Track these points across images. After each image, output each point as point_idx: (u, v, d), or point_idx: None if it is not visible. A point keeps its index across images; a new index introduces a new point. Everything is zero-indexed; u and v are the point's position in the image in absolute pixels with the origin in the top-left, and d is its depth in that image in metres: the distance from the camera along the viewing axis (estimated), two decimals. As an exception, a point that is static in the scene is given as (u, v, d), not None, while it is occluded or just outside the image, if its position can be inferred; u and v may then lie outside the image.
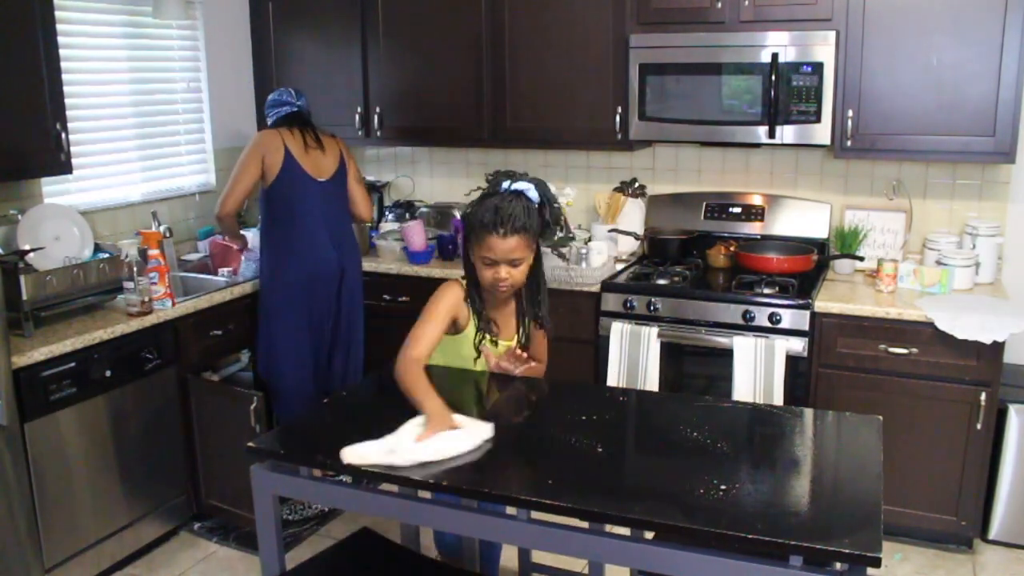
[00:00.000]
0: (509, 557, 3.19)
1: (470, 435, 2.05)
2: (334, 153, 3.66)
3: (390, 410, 2.45)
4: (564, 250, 2.47)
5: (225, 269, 3.72)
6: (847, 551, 1.60)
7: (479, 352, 2.49)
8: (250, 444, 2.09)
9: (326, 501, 3.09)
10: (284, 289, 3.53)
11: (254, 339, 3.69)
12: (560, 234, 2.42)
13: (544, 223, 2.38)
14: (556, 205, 2.42)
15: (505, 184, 2.37)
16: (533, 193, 2.36)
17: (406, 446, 1.98)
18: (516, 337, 2.55)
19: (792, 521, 1.76)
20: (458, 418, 2.10)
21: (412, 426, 2.09)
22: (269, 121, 3.63)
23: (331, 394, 3.17)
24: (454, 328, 2.47)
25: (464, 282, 2.47)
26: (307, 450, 2.12)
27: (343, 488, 2.09)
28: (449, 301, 2.44)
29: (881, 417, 2.23)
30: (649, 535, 1.94)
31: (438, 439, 2.02)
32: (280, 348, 3.57)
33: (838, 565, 1.67)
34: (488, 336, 2.49)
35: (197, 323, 3.41)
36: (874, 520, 1.71)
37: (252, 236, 3.86)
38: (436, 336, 2.41)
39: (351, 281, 3.67)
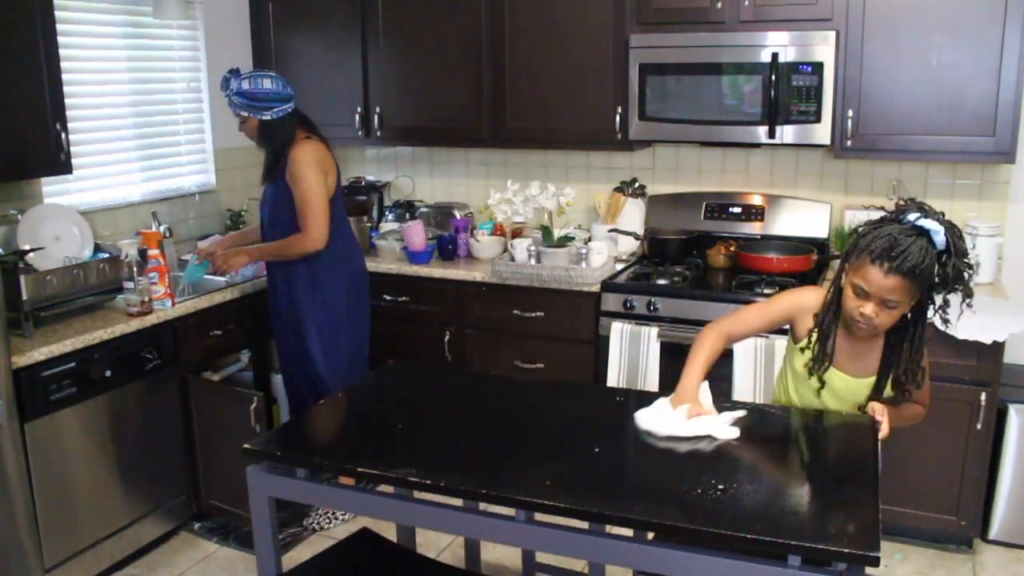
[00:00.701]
0: (511, 556, 3.20)
1: (712, 426, 2.10)
2: None
3: (389, 410, 2.46)
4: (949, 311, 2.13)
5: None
6: (846, 550, 1.60)
7: (822, 381, 2.24)
8: (247, 446, 2.09)
9: (324, 503, 3.09)
10: (351, 288, 3.46)
11: (255, 342, 3.68)
12: (959, 290, 2.07)
13: (944, 275, 2.06)
14: (966, 259, 2.08)
15: (913, 216, 2.07)
16: (940, 238, 2.05)
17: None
18: (874, 382, 2.24)
19: (791, 521, 1.76)
20: (706, 406, 2.15)
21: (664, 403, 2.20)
22: (268, 116, 3.24)
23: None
24: (793, 335, 2.32)
25: (827, 295, 2.22)
26: (304, 452, 2.12)
27: (341, 490, 2.10)
28: (793, 301, 2.29)
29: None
30: (649, 535, 1.94)
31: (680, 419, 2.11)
32: (348, 349, 3.49)
33: (837, 565, 1.66)
34: (824, 346, 2.22)
35: (197, 323, 3.41)
36: (872, 519, 1.71)
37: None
38: (755, 324, 2.31)
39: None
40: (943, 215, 2.10)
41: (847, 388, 2.25)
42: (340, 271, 3.42)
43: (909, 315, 2.15)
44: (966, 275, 2.07)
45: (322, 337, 3.42)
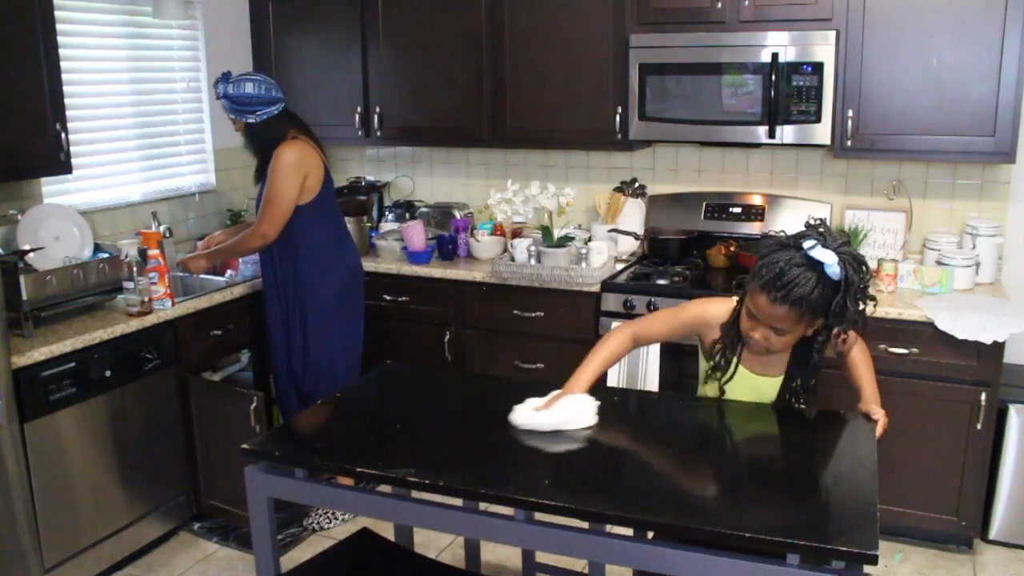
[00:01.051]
0: (511, 556, 3.20)
1: (572, 412, 2.13)
2: None
3: (387, 410, 2.46)
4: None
5: (231, 271, 3.72)
6: (844, 549, 1.61)
7: (722, 389, 2.29)
8: (245, 446, 2.09)
9: (323, 503, 3.09)
10: (344, 285, 3.47)
11: (255, 342, 3.67)
12: (856, 321, 2.03)
13: (839, 305, 2.02)
14: (864, 286, 2.05)
15: (808, 244, 2.02)
16: (833, 270, 1.99)
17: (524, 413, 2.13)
18: (783, 383, 2.28)
19: (789, 520, 1.76)
20: (576, 397, 2.16)
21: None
22: (252, 119, 3.29)
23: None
24: (701, 347, 2.37)
25: (735, 309, 2.24)
26: (302, 452, 2.12)
27: (340, 490, 2.09)
28: (697, 313, 2.32)
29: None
30: (648, 535, 1.94)
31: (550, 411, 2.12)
32: (341, 344, 3.49)
33: (835, 563, 1.66)
34: (726, 355, 2.26)
35: (197, 323, 3.41)
36: (870, 518, 1.71)
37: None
38: (659, 330, 2.36)
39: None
40: (845, 241, 2.05)
41: (754, 387, 2.27)
42: (331, 267, 3.43)
43: (813, 333, 2.14)
44: (861, 307, 2.05)
45: (306, 331, 3.44)
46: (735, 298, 2.25)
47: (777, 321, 2.07)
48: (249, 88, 3.27)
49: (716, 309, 2.28)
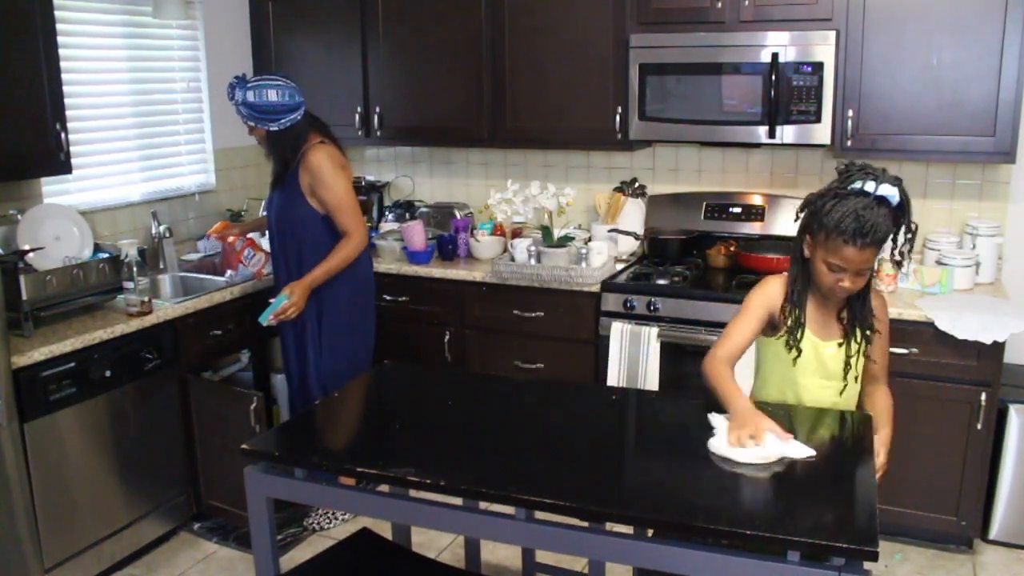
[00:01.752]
0: (511, 556, 3.20)
1: (783, 447, 1.99)
2: None
3: (387, 410, 2.46)
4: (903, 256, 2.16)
5: (230, 271, 3.71)
6: (844, 546, 1.61)
7: (799, 350, 2.25)
8: (244, 446, 2.09)
9: (323, 503, 3.09)
10: (354, 295, 3.42)
11: (255, 342, 3.67)
12: (911, 236, 2.14)
13: (907, 227, 2.12)
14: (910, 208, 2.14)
15: (870, 186, 2.07)
16: (897, 199, 2.08)
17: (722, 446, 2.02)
18: (844, 343, 2.28)
19: (790, 517, 1.76)
20: (769, 425, 2.02)
21: (721, 421, 2.11)
22: (274, 127, 3.21)
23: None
24: (772, 329, 2.30)
25: (786, 278, 2.26)
26: (302, 452, 2.11)
27: (340, 490, 2.09)
28: (766, 296, 2.27)
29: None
30: (648, 533, 1.94)
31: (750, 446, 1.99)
32: (347, 356, 3.43)
33: (835, 560, 1.67)
34: (799, 331, 2.25)
35: (197, 323, 3.41)
36: (870, 515, 1.71)
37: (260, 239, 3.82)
38: (747, 335, 2.26)
39: None
40: (886, 171, 2.12)
41: (819, 355, 2.28)
42: (344, 277, 3.36)
43: None
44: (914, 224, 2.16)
45: (320, 342, 3.40)
46: (782, 274, 2.28)
47: (865, 264, 2.11)
48: (273, 96, 3.19)
49: (775, 286, 2.27)
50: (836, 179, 2.14)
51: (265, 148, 3.35)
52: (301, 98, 3.26)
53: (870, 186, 2.07)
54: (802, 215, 2.21)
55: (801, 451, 1.98)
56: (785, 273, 2.28)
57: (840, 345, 2.27)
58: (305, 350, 3.42)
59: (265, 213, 3.67)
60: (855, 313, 2.26)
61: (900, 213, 2.10)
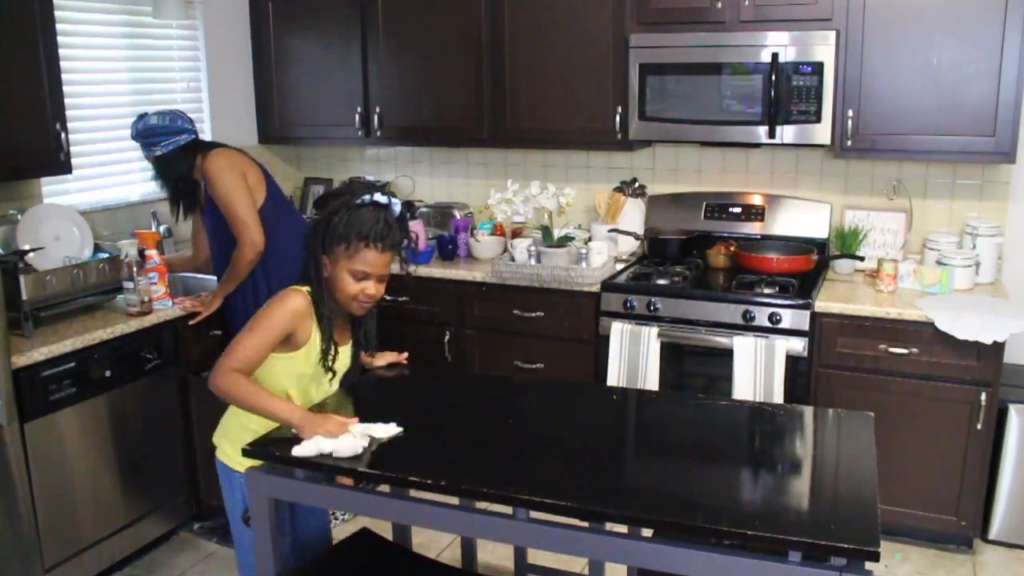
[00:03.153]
0: (510, 556, 3.19)
1: (370, 429, 2.08)
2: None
3: (387, 410, 2.46)
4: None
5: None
6: (845, 546, 1.61)
7: (333, 371, 2.30)
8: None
9: (323, 503, 3.08)
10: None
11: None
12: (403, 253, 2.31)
13: (407, 231, 2.29)
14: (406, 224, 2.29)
15: (380, 198, 2.20)
16: (398, 208, 2.24)
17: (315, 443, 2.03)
18: (351, 343, 2.38)
19: (790, 517, 1.76)
20: (339, 417, 2.09)
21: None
22: (158, 151, 3.17)
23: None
24: (287, 345, 2.22)
25: (308, 296, 2.22)
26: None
27: (340, 490, 2.09)
28: (291, 314, 2.19)
29: (872, 413, 2.23)
30: (647, 533, 1.94)
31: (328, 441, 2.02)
32: None
33: (836, 560, 1.67)
34: (334, 352, 2.29)
35: (197, 323, 3.40)
36: (871, 515, 1.71)
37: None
38: (263, 348, 2.17)
39: None
40: (379, 182, 2.32)
41: (342, 358, 2.34)
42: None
43: None
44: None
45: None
46: (301, 287, 2.24)
47: (385, 268, 2.23)
48: (153, 120, 3.17)
49: (300, 303, 2.21)
50: (342, 196, 2.21)
51: (153, 177, 3.28)
52: (187, 125, 3.19)
53: (380, 198, 2.20)
54: (312, 237, 2.23)
55: (388, 430, 2.08)
56: (303, 288, 2.23)
57: (349, 343, 2.38)
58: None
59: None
60: (361, 329, 2.39)
61: (403, 222, 2.25)
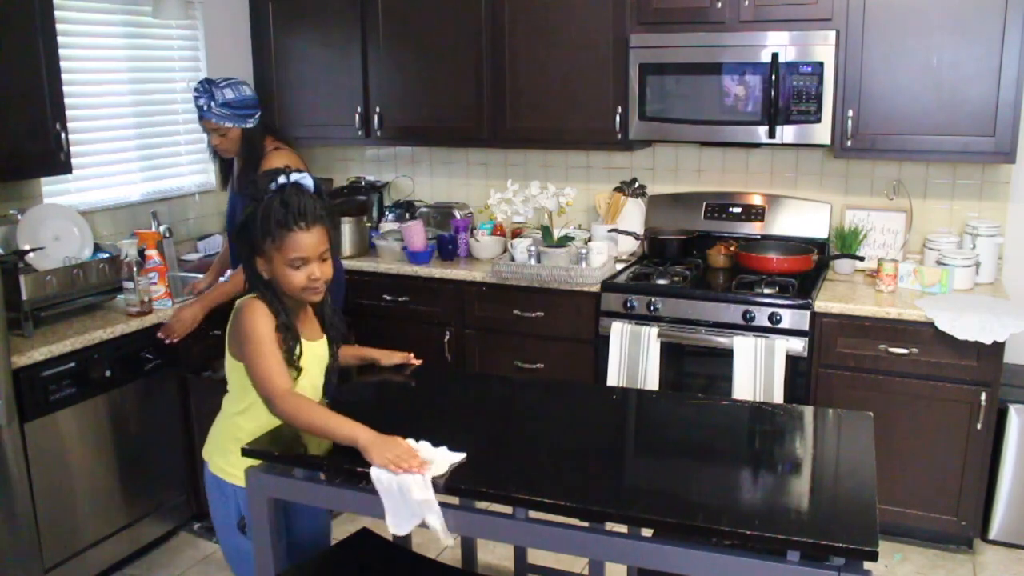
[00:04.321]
0: (505, 556, 3.19)
1: (441, 456, 1.95)
2: None
3: (387, 409, 2.46)
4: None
5: (229, 271, 3.71)
6: (844, 545, 1.61)
7: (299, 368, 2.19)
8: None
9: (323, 503, 3.08)
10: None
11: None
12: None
13: (329, 206, 2.20)
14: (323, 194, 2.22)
15: (280, 180, 2.12)
16: (308, 181, 2.15)
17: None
18: (326, 336, 2.33)
19: (789, 517, 1.76)
20: (407, 442, 1.97)
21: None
22: (250, 124, 3.16)
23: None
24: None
25: (262, 298, 2.16)
26: (302, 452, 2.11)
27: (340, 490, 2.09)
28: (267, 321, 2.12)
29: (871, 413, 2.23)
30: (647, 532, 1.94)
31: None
32: None
33: (835, 560, 1.67)
34: (297, 351, 2.18)
35: (172, 343, 3.39)
36: (870, 515, 1.71)
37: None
38: (281, 360, 2.12)
39: None
40: (288, 168, 2.16)
41: (315, 355, 2.28)
42: None
43: None
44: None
45: None
46: (250, 296, 2.17)
47: (320, 246, 2.13)
48: (247, 91, 3.17)
49: (263, 310, 2.14)
50: (254, 199, 2.14)
51: (238, 151, 3.20)
52: (256, 99, 3.23)
53: (281, 179, 2.12)
54: (240, 245, 2.20)
55: (453, 456, 1.95)
56: (249, 297, 2.17)
57: (324, 340, 2.32)
58: None
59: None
60: (324, 319, 2.33)
61: (319, 193, 2.17)
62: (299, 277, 2.12)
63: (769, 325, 3.25)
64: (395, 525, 1.91)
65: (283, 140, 3.28)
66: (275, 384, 2.07)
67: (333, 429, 2.01)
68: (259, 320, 2.11)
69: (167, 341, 3.20)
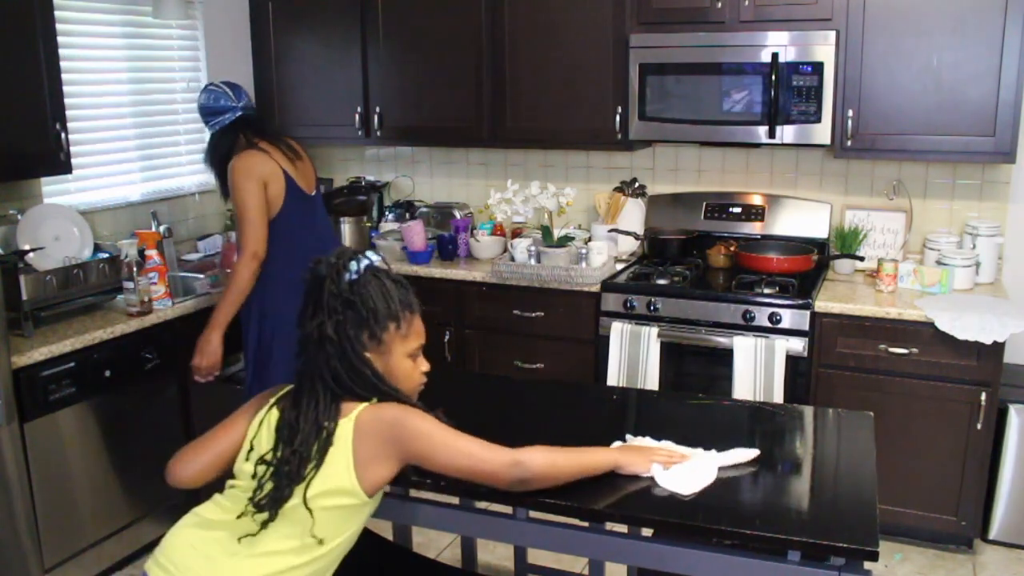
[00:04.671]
0: (505, 556, 3.19)
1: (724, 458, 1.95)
2: (309, 158, 3.28)
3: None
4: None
5: (229, 270, 3.71)
6: (844, 545, 1.61)
7: None
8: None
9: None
10: (286, 334, 2.82)
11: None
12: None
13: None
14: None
15: (363, 263, 1.77)
16: (377, 258, 1.83)
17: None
18: None
19: (790, 517, 1.76)
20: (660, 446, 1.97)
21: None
22: (215, 128, 3.12)
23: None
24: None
25: (384, 398, 1.78)
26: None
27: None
28: (421, 413, 1.78)
29: (872, 413, 2.23)
30: (647, 532, 1.94)
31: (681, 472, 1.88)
32: (277, 372, 3.11)
33: (835, 560, 1.67)
34: None
35: (197, 323, 3.39)
36: (870, 515, 1.72)
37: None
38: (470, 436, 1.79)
39: None
40: (355, 250, 1.83)
41: None
42: (289, 287, 2.55)
43: None
44: None
45: (253, 355, 3.18)
46: (357, 405, 1.76)
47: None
48: (201, 99, 3.12)
49: (406, 407, 1.79)
50: (332, 276, 1.75)
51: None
52: (230, 102, 3.09)
53: (361, 262, 1.78)
54: (330, 338, 1.73)
55: (744, 453, 1.97)
56: (377, 403, 1.77)
57: None
58: (246, 362, 3.23)
59: None
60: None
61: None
62: (416, 371, 1.85)
63: (769, 325, 3.25)
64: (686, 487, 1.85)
65: (267, 139, 3.12)
66: (496, 455, 1.74)
67: (591, 465, 1.86)
68: (418, 413, 1.76)
69: (206, 380, 3.12)
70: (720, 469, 1.91)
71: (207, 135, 3.19)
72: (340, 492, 1.70)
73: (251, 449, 1.79)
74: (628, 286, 3.52)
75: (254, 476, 1.73)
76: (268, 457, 1.73)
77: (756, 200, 3.85)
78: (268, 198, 3.02)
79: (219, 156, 3.11)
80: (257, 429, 1.81)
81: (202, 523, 1.80)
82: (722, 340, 3.29)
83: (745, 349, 3.23)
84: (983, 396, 3.07)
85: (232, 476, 1.85)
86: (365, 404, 1.75)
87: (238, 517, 1.71)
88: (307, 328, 1.75)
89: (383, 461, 1.72)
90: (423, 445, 1.71)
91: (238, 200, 3.00)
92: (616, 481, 1.98)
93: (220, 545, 1.72)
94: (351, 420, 1.72)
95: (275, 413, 1.80)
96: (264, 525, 1.69)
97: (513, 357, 3.74)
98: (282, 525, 1.69)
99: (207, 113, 3.12)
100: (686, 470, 1.89)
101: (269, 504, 1.68)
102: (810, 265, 3.52)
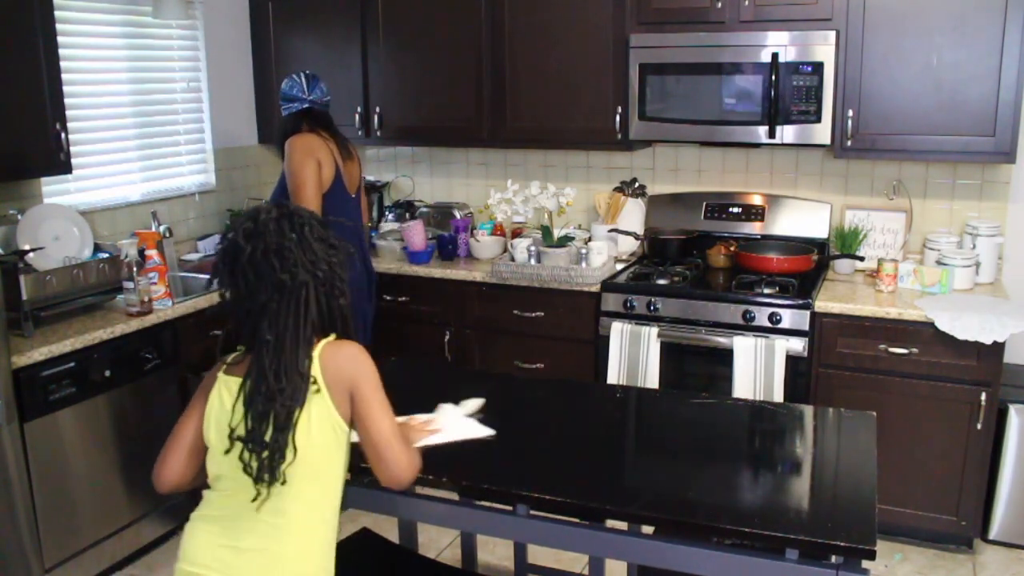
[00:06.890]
0: (506, 556, 3.19)
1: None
2: (358, 162, 3.49)
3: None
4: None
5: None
6: (842, 544, 1.61)
7: None
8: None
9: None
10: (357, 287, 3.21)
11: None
12: None
13: None
14: None
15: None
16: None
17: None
18: None
19: (789, 516, 1.76)
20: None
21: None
22: (284, 113, 3.39)
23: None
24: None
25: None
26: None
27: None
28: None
29: (874, 413, 2.23)
30: (648, 530, 1.95)
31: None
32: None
33: (834, 559, 1.67)
34: None
35: (197, 323, 3.40)
36: (869, 514, 1.72)
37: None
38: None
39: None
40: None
41: None
42: None
43: None
44: None
45: None
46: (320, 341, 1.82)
47: None
48: (283, 84, 3.40)
49: None
50: (310, 224, 1.81)
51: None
52: (304, 95, 3.35)
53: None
54: (330, 286, 1.81)
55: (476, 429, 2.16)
56: (334, 339, 1.84)
57: None
58: None
59: None
60: None
61: None
62: None
63: (769, 325, 3.25)
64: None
65: (322, 129, 3.35)
66: (404, 454, 1.76)
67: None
68: (370, 359, 1.82)
69: None
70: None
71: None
72: (325, 421, 1.74)
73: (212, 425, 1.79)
74: (628, 286, 3.52)
75: (227, 452, 1.73)
76: (241, 432, 1.72)
77: (756, 200, 3.85)
78: (322, 177, 3.23)
79: (281, 136, 3.36)
80: (219, 401, 1.81)
81: (209, 518, 1.84)
82: (722, 340, 3.29)
83: (745, 349, 3.23)
84: (983, 396, 3.07)
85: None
86: (325, 340, 1.80)
87: (252, 500, 1.72)
88: (294, 275, 1.76)
89: (344, 393, 1.76)
90: (367, 391, 1.75)
91: (295, 175, 3.20)
92: (617, 479, 1.98)
93: (235, 529, 1.77)
94: (316, 356, 1.77)
95: (233, 380, 1.82)
96: (271, 484, 1.70)
97: (513, 357, 3.74)
98: (293, 483, 1.71)
99: (282, 98, 3.39)
100: (450, 429, 2.12)
101: (270, 470, 1.69)
102: (810, 265, 3.52)
